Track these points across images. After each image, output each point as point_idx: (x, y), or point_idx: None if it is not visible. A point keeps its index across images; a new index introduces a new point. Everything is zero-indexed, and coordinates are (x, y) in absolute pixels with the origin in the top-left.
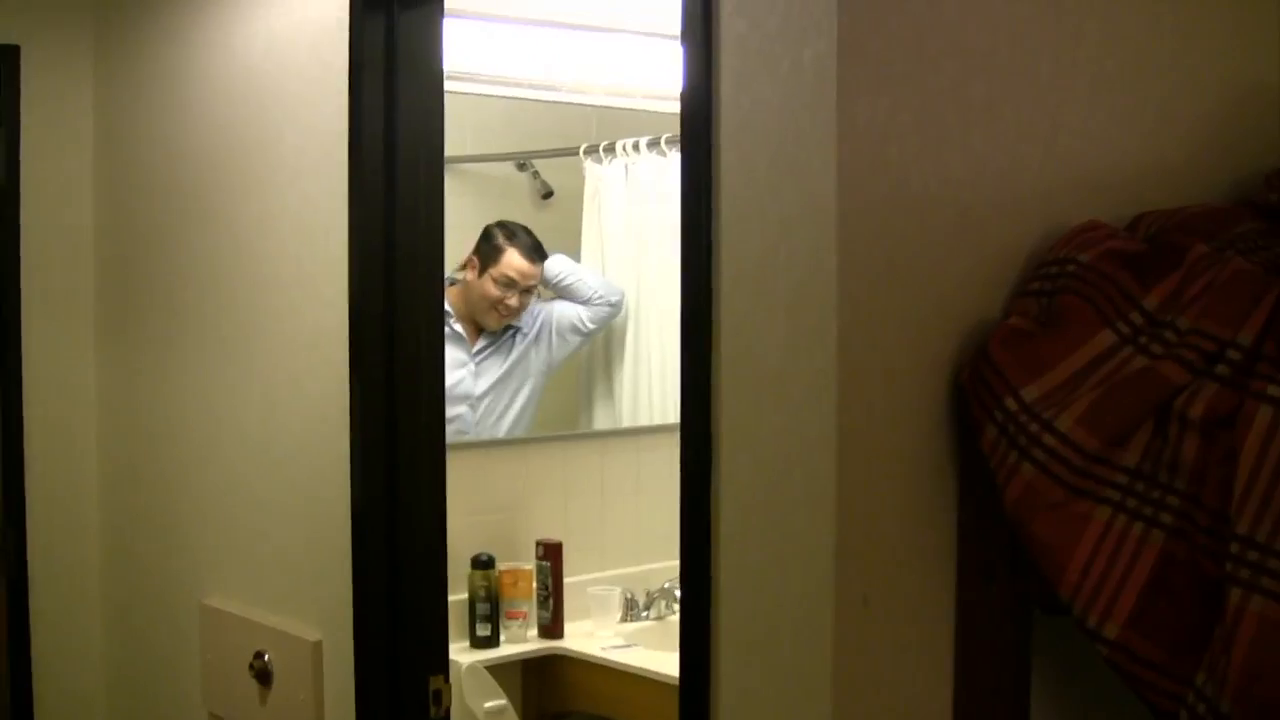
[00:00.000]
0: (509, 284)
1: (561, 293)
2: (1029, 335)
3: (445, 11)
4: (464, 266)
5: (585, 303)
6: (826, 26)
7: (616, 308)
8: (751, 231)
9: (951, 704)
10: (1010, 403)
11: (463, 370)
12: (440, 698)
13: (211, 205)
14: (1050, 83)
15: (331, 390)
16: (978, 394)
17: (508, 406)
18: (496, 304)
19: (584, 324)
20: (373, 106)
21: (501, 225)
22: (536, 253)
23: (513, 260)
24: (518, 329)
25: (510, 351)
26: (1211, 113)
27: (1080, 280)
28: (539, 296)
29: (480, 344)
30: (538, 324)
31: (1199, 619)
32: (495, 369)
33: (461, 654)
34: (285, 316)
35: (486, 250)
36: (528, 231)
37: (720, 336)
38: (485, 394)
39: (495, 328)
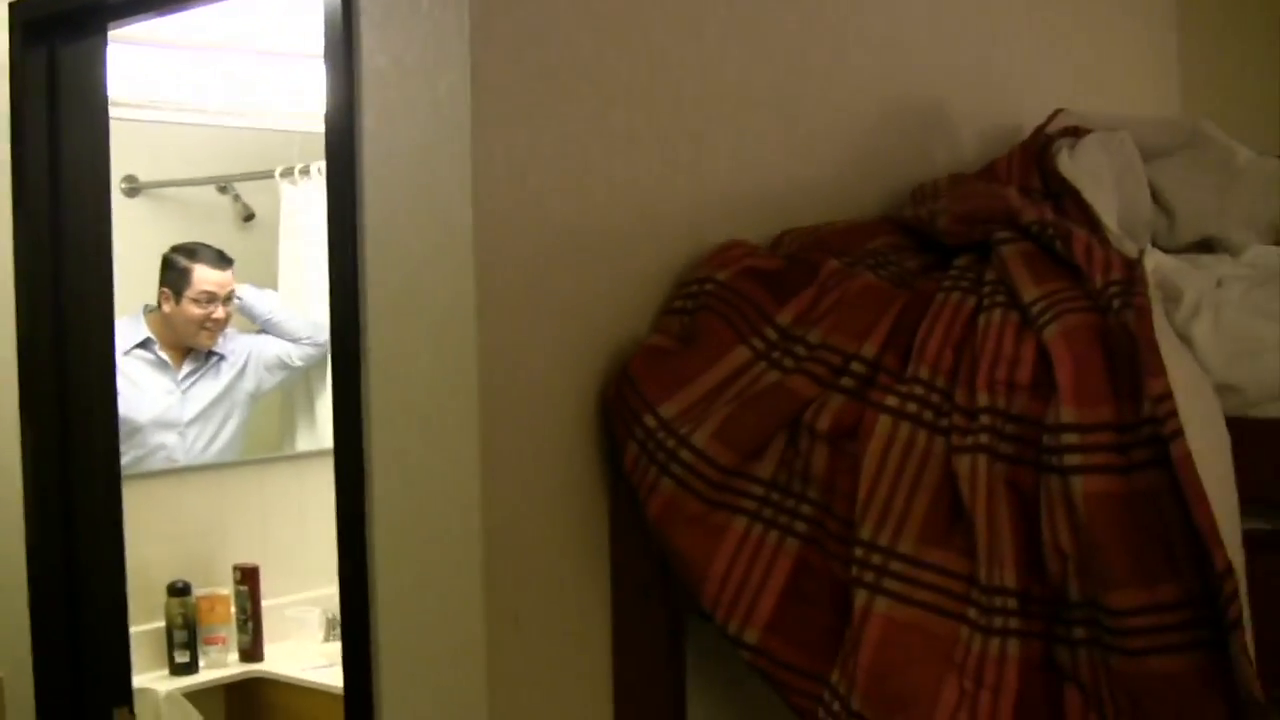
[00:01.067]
0: (210, 299)
1: (269, 329)
2: (668, 353)
3: (131, 39)
4: (159, 300)
5: (295, 342)
6: (459, 60)
7: (324, 349)
8: (395, 261)
9: (612, 717)
10: (649, 419)
11: (170, 397)
12: None
13: None
14: (694, 108)
15: (4, 429)
16: (619, 413)
17: (216, 434)
18: (204, 322)
19: (292, 360)
20: (36, 136)
21: (178, 249)
22: (222, 260)
23: (205, 276)
24: (223, 356)
25: (217, 378)
26: (864, 129)
27: (717, 298)
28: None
29: (186, 369)
30: (244, 355)
31: (834, 622)
32: (203, 396)
33: (159, 682)
34: None
35: (174, 277)
36: (205, 245)
37: (369, 366)
38: (193, 421)
39: (210, 344)
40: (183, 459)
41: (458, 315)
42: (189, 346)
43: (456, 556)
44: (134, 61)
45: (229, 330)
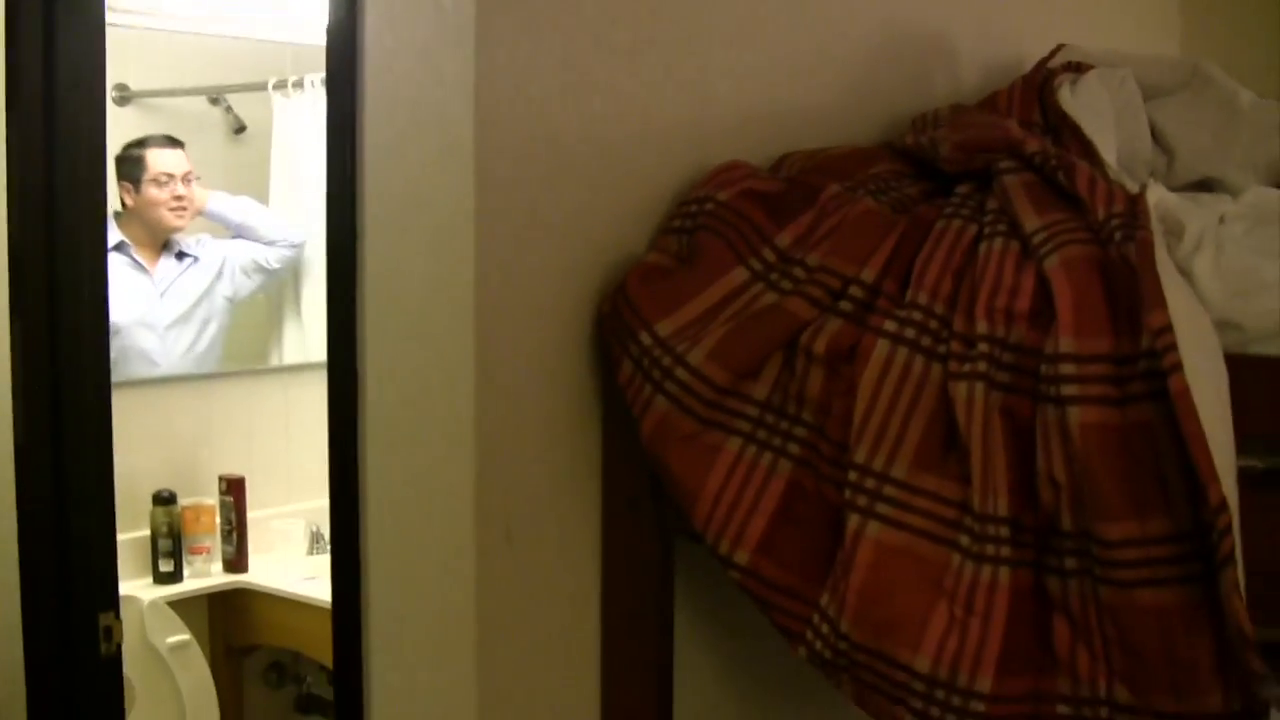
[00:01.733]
0: (168, 179)
1: (243, 233)
2: (666, 271)
3: None
4: (121, 200)
5: (269, 245)
6: None
7: (299, 249)
8: (395, 170)
9: (599, 633)
10: (645, 337)
11: (148, 300)
12: (111, 634)
13: None
14: (699, 24)
15: None
16: (615, 330)
17: (196, 338)
18: (168, 203)
19: (268, 262)
20: (30, 38)
21: (129, 144)
22: (173, 142)
23: (158, 159)
24: (197, 259)
25: (194, 280)
26: (866, 54)
27: (716, 218)
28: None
29: (162, 272)
30: (219, 260)
31: (825, 545)
32: (181, 298)
33: (144, 590)
34: None
35: (129, 168)
36: (153, 134)
37: (365, 275)
38: (173, 324)
39: (178, 224)
40: (162, 363)
41: (456, 225)
42: (163, 239)
43: (448, 469)
44: None
45: (204, 236)
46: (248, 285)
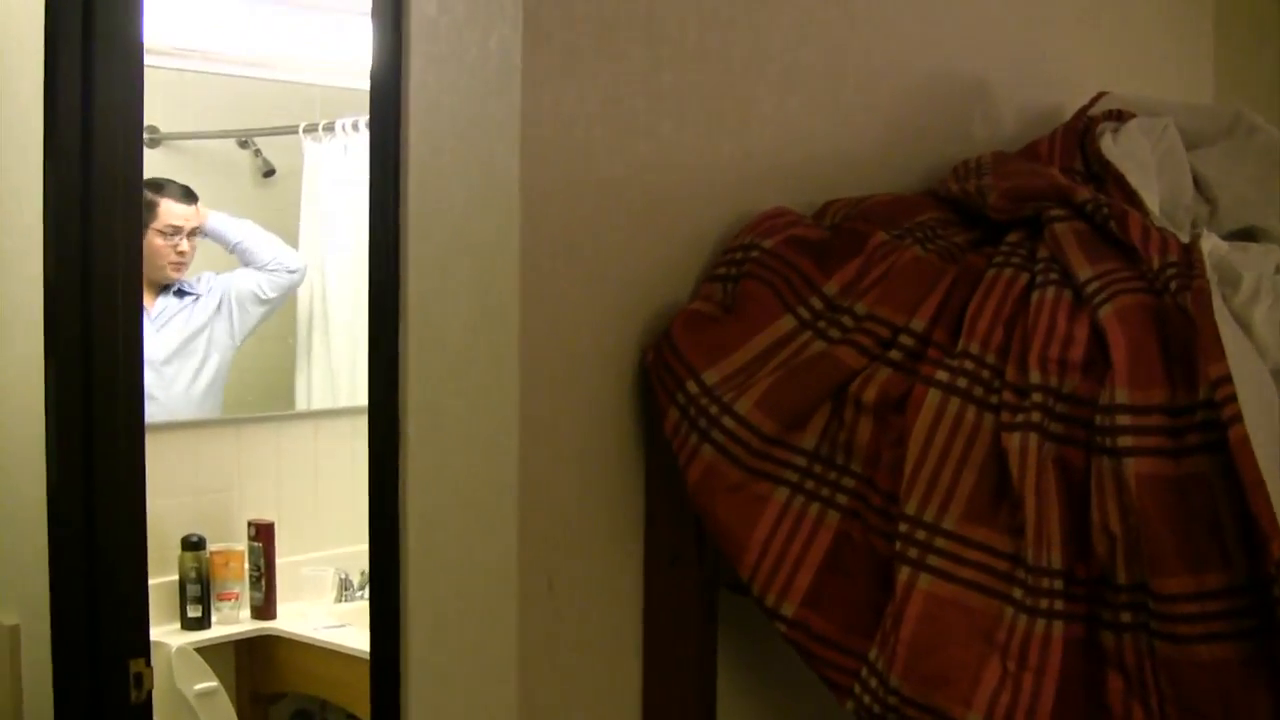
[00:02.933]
0: (175, 231)
1: (240, 255)
2: (711, 319)
3: None
4: None
5: (263, 269)
6: (512, 13)
7: (297, 274)
8: (439, 215)
9: (640, 684)
10: (691, 385)
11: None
12: (141, 681)
13: None
14: (743, 71)
15: (27, 370)
16: (660, 377)
17: (196, 376)
18: (169, 257)
19: (264, 292)
20: (69, 81)
21: (145, 183)
22: (188, 196)
23: (170, 209)
24: (198, 296)
25: (190, 317)
26: (907, 101)
27: (762, 266)
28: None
29: (158, 309)
30: (218, 295)
31: (873, 597)
32: (176, 334)
33: (171, 636)
34: None
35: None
36: (171, 180)
37: (408, 319)
38: (170, 359)
39: (175, 277)
40: (160, 396)
41: (501, 269)
42: (158, 282)
43: (491, 516)
44: (158, 7)
45: (206, 273)
46: (247, 321)
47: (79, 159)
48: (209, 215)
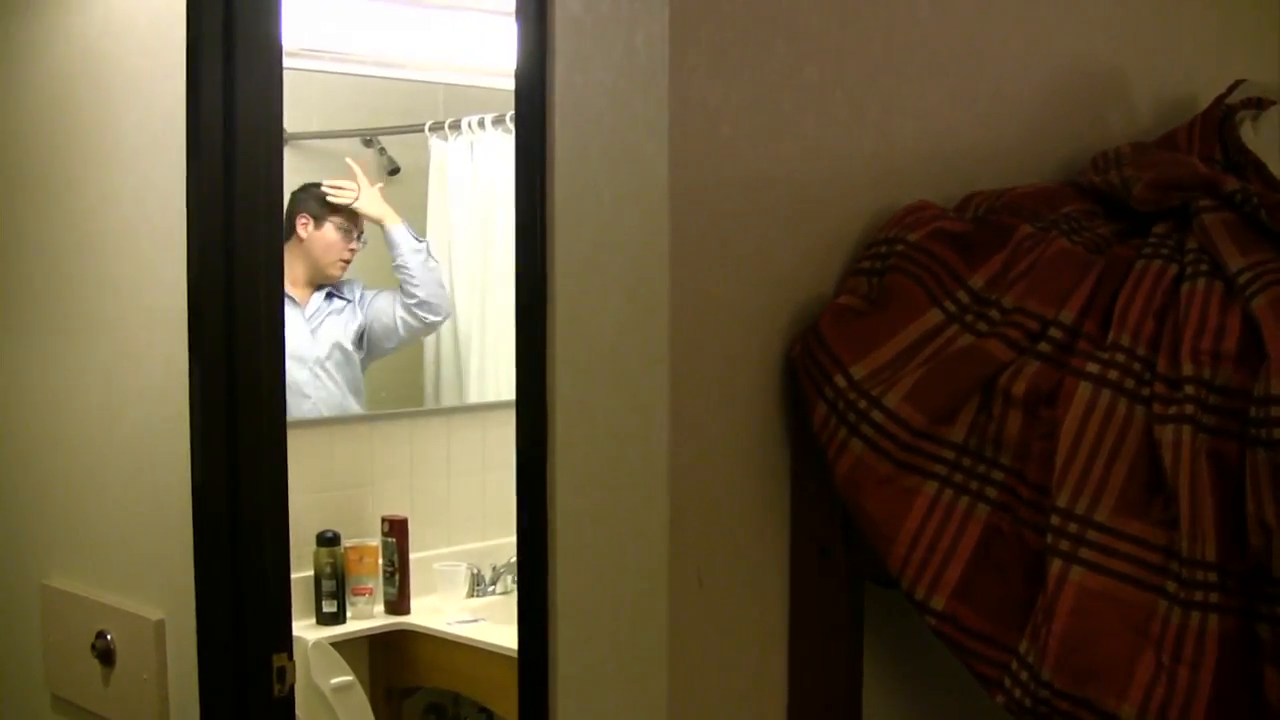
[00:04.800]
0: (350, 229)
1: (400, 271)
2: (858, 313)
3: None
4: (293, 230)
5: (409, 306)
6: (658, 10)
7: (432, 328)
8: (586, 211)
9: (786, 678)
10: (840, 379)
11: (301, 334)
12: (284, 675)
13: (50, 186)
14: (883, 65)
15: (172, 368)
16: (808, 371)
17: (350, 378)
18: (341, 253)
19: (399, 329)
20: (211, 84)
21: (316, 183)
22: None
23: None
24: (348, 301)
25: (340, 319)
26: (1043, 93)
27: (908, 259)
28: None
29: (312, 307)
30: (365, 310)
31: (1022, 590)
32: (330, 336)
33: (307, 631)
34: (126, 296)
35: (315, 205)
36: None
37: (555, 315)
38: (324, 360)
39: (338, 276)
40: (314, 395)
41: (650, 265)
42: (319, 282)
43: (640, 511)
44: (287, 9)
45: (356, 281)
46: (383, 346)
47: (221, 161)
48: (397, 223)
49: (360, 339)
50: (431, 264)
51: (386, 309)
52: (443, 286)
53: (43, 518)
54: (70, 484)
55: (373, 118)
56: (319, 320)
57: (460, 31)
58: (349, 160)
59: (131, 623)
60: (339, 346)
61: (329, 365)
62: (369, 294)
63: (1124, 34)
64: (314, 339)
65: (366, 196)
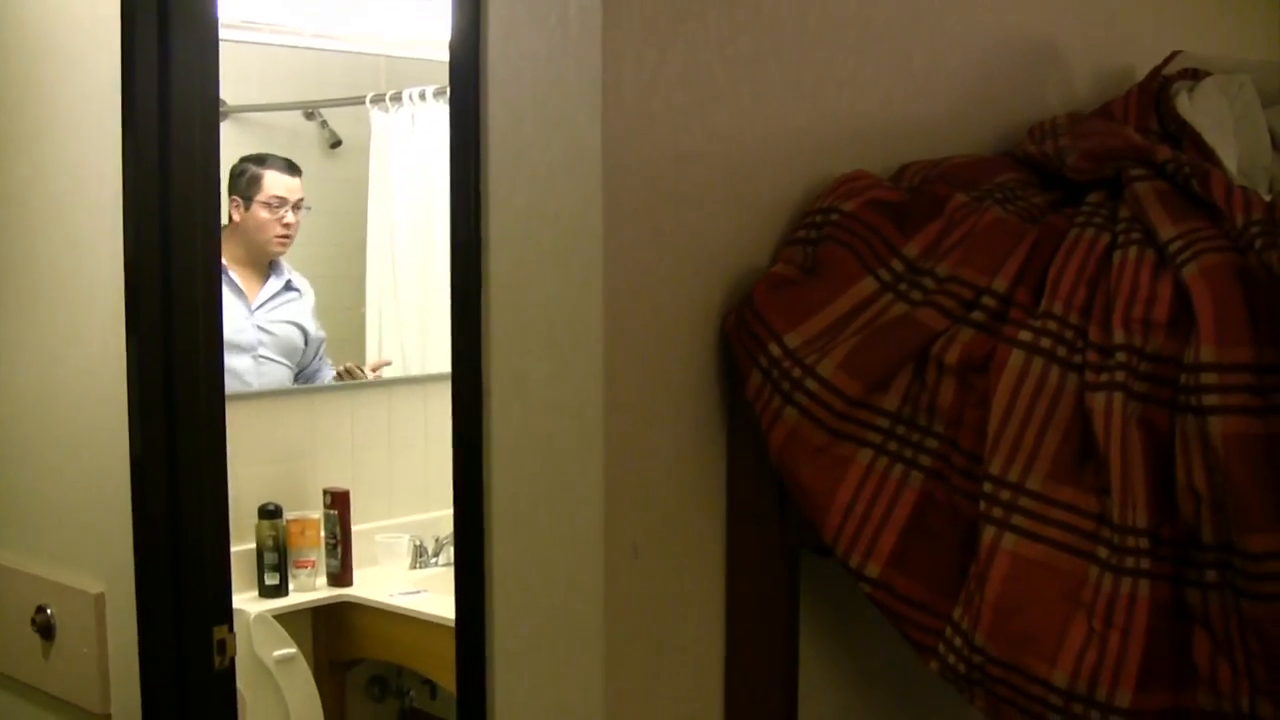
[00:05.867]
0: (280, 203)
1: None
2: (793, 283)
3: None
4: (229, 212)
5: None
6: None
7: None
8: (520, 182)
9: (723, 647)
10: (774, 348)
11: (244, 323)
12: (224, 647)
13: None
14: (818, 35)
15: (109, 343)
16: (742, 341)
17: (292, 369)
18: (275, 229)
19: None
20: (145, 58)
21: (247, 158)
22: (292, 168)
23: (276, 180)
24: (300, 293)
25: (288, 310)
26: (979, 64)
27: (843, 229)
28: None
29: (262, 295)
30: (309, 301)
31: (957, 558)
32: (277, 328)
33: (250, 604)
34: (61, 271)
35: (244, 184)
36: (273, 154)
37: (490, 286)
38: (268, 350)
39: (279, 251)
40: (255, 383)
41: (583, 236)
42: (263, 260)
43: (576, 482)
44: None
45: (302, 278)
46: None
47: (157, 135)
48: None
49: (305, 323)
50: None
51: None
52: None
53: None
54: (8, 459)
55: (314, 90)
56: (266, 311)
57: (401, 2)
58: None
59: (71, 596)
60: (293, 338)
61: (278, 356)
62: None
63: (1061, 5)
64: (257, 328)
65: (274, 183)
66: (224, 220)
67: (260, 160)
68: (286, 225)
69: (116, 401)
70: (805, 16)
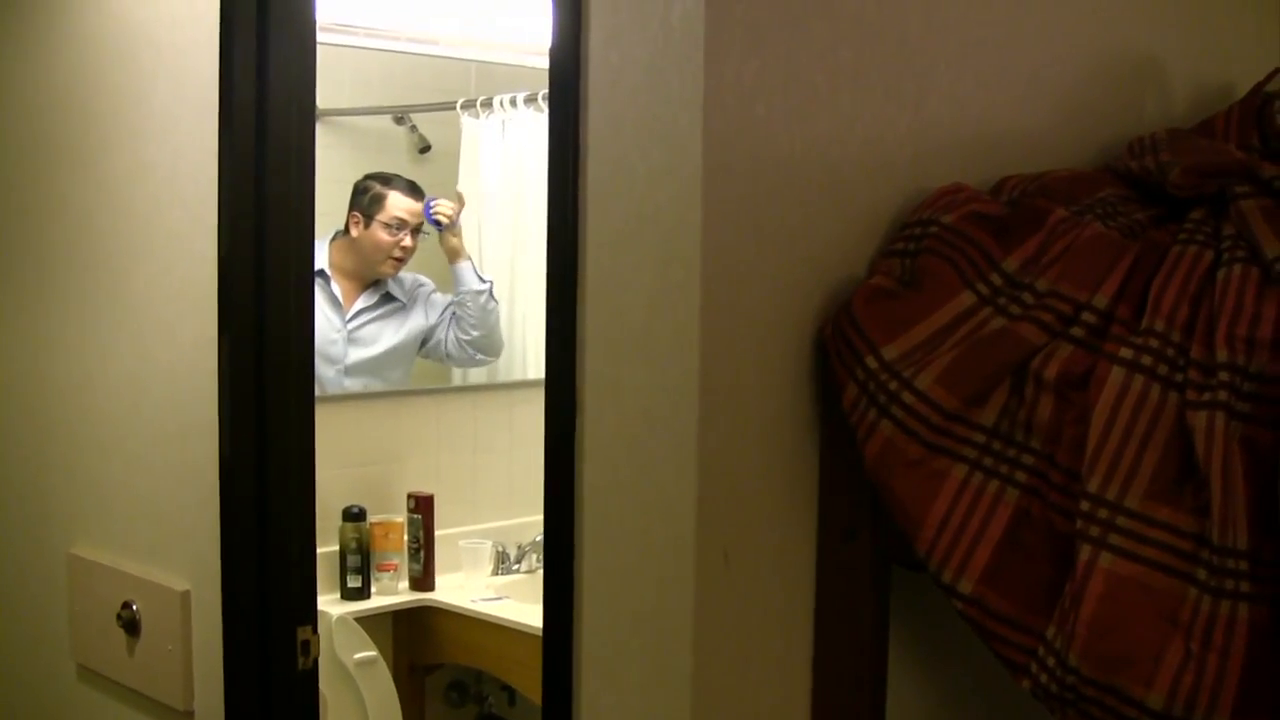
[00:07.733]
0: (400, 225)
1: (458, 305)
2: (891, 294)
3: None
4: (347, 225)
5: (461, 337)
6: None
7: (480, 365)
8: (619, 188)
9: (811, 659)
10: (871, 360)
11: (331, 334)
12: (308, 648)
13: (81, 156)
14: (919, 46)
15: (201, 342)
16: (839, 352)
17: (377, 380)
18: (391, 249)
19: (447, 352)
20: (244, 57)
21: (372, 176)
22: (415, 190)
23: (398, 202)
24: (403, 305)
25: (391, 329)
26: (1080, 78)
27: (942, 241)
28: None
29: (356, 308)
30: (422, 320)
31: (1051, 575)
32: (372, 345)
33: (332, 605)
34: (156, 268)
35: (366, 202)
36: (399, 175)
37: (586, 292)
38: (357, 365)
39: (390, 273)
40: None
41: (682, 242)
42: (371, 277)
43: (668, 490)
44: None
45: (425, 280)
46: (440, 351)
47: (253, 135)
48: (464, 262)
49: (419, 341)
50: (491, 305)
51: (441, 328)
52: (497, 330)
53: (70, 488)
54: (98, 455)
55: (404, 95)
56: (360, 322)
57: (492, 8)
58: (459, 189)
59: (157, 593)
60: (389, 353)
61: (363, 375)
62: (438, 298)
63: (1162, 19)
64: (350, 343)
65: (452, 229)
66: (341, 229)
67: (385, 180)
68: (404, 248)
69: (208, 400)
70: (906, 27)
